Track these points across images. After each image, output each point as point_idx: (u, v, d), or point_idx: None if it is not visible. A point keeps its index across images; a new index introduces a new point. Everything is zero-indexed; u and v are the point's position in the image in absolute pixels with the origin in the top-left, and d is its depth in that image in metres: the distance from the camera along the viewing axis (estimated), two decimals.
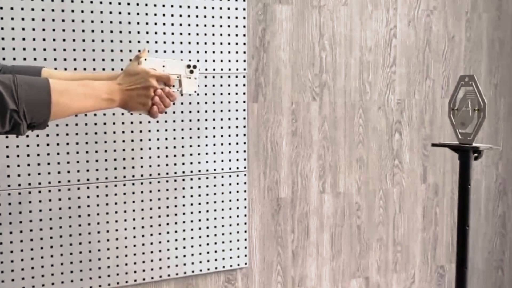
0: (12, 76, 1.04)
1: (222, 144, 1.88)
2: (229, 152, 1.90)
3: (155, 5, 1.75)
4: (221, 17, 1.85)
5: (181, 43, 1.79)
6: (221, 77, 1.87)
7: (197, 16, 1.81)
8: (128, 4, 1.72)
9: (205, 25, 1.82)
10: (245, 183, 1.93)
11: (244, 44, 1.88)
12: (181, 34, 1.79)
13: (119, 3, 1.71)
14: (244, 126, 1.91)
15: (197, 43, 1.81)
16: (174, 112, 1.81)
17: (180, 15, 1.79)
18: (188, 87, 1.28)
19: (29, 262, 1.67)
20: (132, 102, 1.22)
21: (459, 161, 1.56)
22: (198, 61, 1.83)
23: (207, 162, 1.87)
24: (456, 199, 2.33)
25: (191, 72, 1.28)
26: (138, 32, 1.74)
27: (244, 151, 1.92)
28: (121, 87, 1.20)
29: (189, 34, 1.80)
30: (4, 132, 1.04)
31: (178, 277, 1.86)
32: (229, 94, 1.88)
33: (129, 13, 1.72)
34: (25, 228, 1.66)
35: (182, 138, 1.83)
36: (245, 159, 1.92)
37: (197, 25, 1.81)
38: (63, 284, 1.71)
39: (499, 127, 2.43)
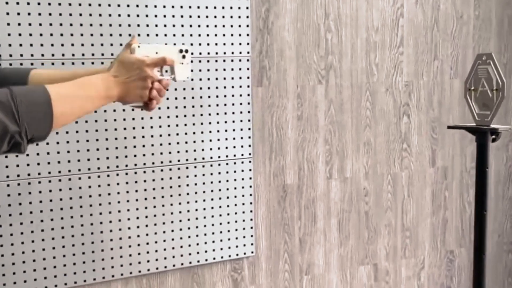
0: (9, 91, 0.95)
1: (226, 130, 1.83)
2: (234, 138, 1.85)
3: None
4: None
5: (182, 26, 1.73)
6: (224, 60, 1.81)
7: None
8: None
9: (206, 7, 1.76)
10: (250, 169, 1.88)
11: (247, 26, 1.82)
12: (181, 16, 1.73)
13: None
14: (249, 111, 1.86)
15: (199, 25, 1.75)
16: (176, 98, 1.76)
17: None
18: (181, 73, 1.23)
19: (31, 254, 1.62)
20: (130, 94, 1.16)
21: (476, 143, 1.50)
22: (200, 44, 1.77)
23: (211, 149, 1.82)
24: (465, 182, 2.30)
25: (184, 57, 1.22)
26: (138, 15, 1.67)
27: (249, 137, 1.87)
28: (117, 80, 1.14)
29: (190, 16, 1.74)
30: (2, 152, 0.95)
31: (183, 267, 1.82)
32: (232, 78, 1.82)
33: None
34: (25, 220, 1.61)
35: (185, 124, 1.77)
36: (250, 145, 1.87)
37: (198, 7, 1.75)
38: (65, 277, 1.67)
39: (509, 107, 2.37)
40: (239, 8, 1.80)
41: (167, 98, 1.74)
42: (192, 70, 1.25)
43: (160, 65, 1.19)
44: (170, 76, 1.22)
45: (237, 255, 1.89)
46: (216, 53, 1.79)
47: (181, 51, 1.22)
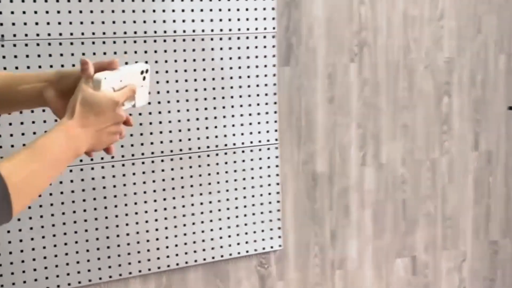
0: None
1: (250, 115, 1.70)
2: (258, 123, 1.72)
3: None
4: None
5: (201, 0, 1.59)
6: (247, 38, 1.67)
7: None
8: None
9: None
10: (276, 157, 1.76)
11: None
12: None
13: None
14: (275, 94, 1.73)
15: None
16: (195, 80, 1.63)
17: None
18: (141, 98, 0.99)
19: (41, 251, 1.52)
20: (100, 144, 0.92)
21: None
22: (220, 20, 1.62)
23: (233, 135, 1.69)
24: (511, 168, 2.14)
25: (144, 78, 0.99)
26: None
27: (275, 121, 1.74)
28: (87, 131, 0.88)
29: None
30: None
31: (206, 262, 1.71)
32: (256, 57, 1.69)
33: None
34: (34, 214, 1.51)
35: (205, 108, 1.65)
36: (276, 131, 1.75)
37: None
38: (79, 274, 1.57)
39: None
40: None
41: (186, 80, 1.61)
42: (150, 92, 1.03)
43: (129, 99, 0.96)
44: (130, 104, 0.98)
45: (263, 249, 1.78)
46: (239, 30, 1.65)
47: (142, 72, 0.98)
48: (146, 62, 1.56)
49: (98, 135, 0.90)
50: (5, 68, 1.44)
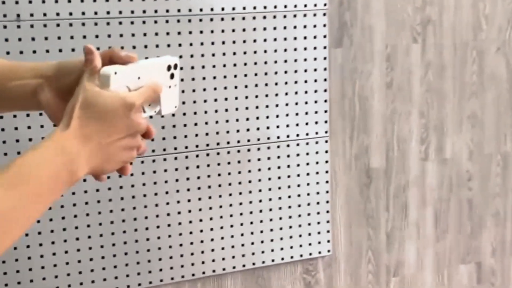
0: None
1: (296, 104, 1.54)
2: (306, 113, 1.55)
3: None
4: None
5: None
6: (295, 16, 1.50)
7: None
8: None
9: None
10: (326, 151, 1.59)
11: None
12: None
13: None
14: (325, 79, 1.56)
15: None
16: (234, 65, 1.47)
17: None
18: (169, 102, 0.77)
19: (63, 256, 1.40)
20: (109, 163, 0.69)
21: None
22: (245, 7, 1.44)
23: (277, 127, 1.53)
24: None
25: (172, 76, 0.77)
26: None
27: (325, 110, 1.57)
28: (88, 144, 0.66)
29: None
30: None
31: (245, 269, 1.57)
32: (305, 37, 1.52)
33: None
34: (55, 216, 1.38)
35: (246, 97, 1.49)
36: (326, 121, 1.58)
37: None
38: (105, 282, 1.44)
39: None
40: None
41: (224, 65, 1.46)
42: (183, 91, 0.76)
43: (150, 102, 0.74)
44: (155, 111, 0.76)
45: (310, 254, 1.63)
46: (285, 7, 1.48)
47: (169, 68, 0.77)
48: (180, 45, 1.40)
49: (106, 151, 0.67)
50: (21, 53, 1.31)
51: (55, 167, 0.64)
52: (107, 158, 0.68)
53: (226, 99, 1.47)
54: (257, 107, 1.50)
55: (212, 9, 1.42)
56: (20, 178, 0.61)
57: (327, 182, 1.61)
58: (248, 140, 1.52)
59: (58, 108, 0.72)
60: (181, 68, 0.79)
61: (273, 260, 1.59)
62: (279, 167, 1.55)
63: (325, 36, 1.54)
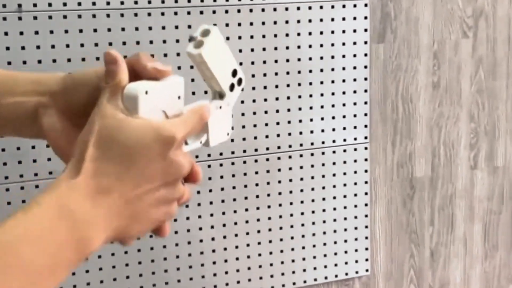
0: None
1: (333, 106, 1.41)
2: (343, 116, 1.43)
3: None
4: None
5: None
6: (332, 7, 1.37)
7: None
8: None
9: None
10: (366, 159, 1.48)
11: None
12: None
13: None
14: (365, 78, 1.44)
15: None
16: (264, 62, 1.34)
17: None
18: (220, 129, 0.59)
19: (83, 275, 1.26)
20: (137, 225, 0.49)
21: None
22: None
23: (311, 132, 1.41)
24: None
25: (232, 88, 0.60)
26: None
27: (365, 114, 1.45)
28: (106, 200, 0.46)
29: None
30: None
31: None
32: (343, 31, 1.39)
33: None
34: None
35: (276, 99, 1.36)
36: (366, 126, 1.46)
37: None
38: (115, 282, 1.30)
39: None
40: None
41: (252, 63, 1.33)
42: (233, 116, 0.61)
43: (195, 133, 0.56)
44: (199, 141, 0.58)
45: (346, 274, 1.51)
46: None
47: (234, 73, 0.61)
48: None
49: (133, 207, 0.48)
50: (23, 48, 1.17)
51: (59, 237, 0.44)
52: (135, 218, 0.49)
53: (254, 101, 1.35)
54: (288, 110, 1.38)
55: None
56: (3, 259, 0.41)
57: (366, 193, 1.48)
58: (278, 147, 1.39)
59: (66, 138, 0.54)
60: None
61: (305, 282, 1.47)
62: (312, 177, 1.43)
63: (366, 30, 1.41)
